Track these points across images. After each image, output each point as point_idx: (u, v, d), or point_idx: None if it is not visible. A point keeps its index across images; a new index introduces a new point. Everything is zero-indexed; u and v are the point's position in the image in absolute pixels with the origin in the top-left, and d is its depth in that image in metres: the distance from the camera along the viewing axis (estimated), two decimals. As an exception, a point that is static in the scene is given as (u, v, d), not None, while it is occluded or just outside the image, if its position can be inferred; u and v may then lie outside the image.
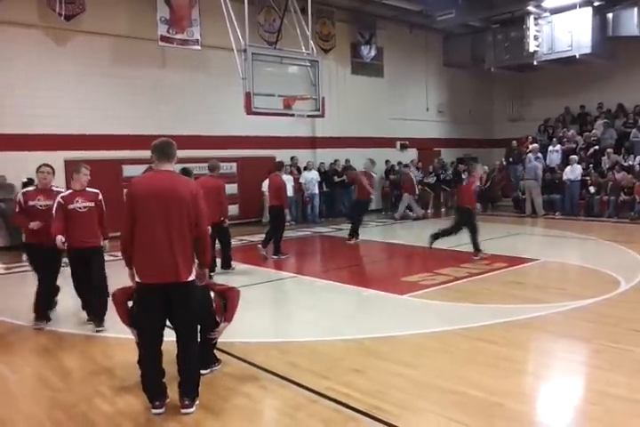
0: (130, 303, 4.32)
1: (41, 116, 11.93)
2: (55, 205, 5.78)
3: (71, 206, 5.75)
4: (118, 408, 4.01)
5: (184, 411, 3.88)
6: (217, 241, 8.59)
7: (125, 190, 4.04)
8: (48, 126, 12.00)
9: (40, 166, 6.18)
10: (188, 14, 13.75)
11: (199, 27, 13.80)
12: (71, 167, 6.51)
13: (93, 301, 5.91)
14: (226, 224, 8.67)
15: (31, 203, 5.97)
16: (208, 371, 4.53)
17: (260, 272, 9.13)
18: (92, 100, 12.70)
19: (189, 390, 3.95)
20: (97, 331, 5.77)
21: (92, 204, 5.90)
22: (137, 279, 3.89)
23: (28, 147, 11.56)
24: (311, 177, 15.75)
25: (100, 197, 6.02)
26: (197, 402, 3.96)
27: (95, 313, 5.87)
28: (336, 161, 16.88)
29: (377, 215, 16.22)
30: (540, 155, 16.69)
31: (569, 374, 4.65)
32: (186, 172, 7.75)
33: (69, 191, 5.95)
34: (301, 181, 15.60)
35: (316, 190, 15.89)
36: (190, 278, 3.92)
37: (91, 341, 5.60)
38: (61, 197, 5.80)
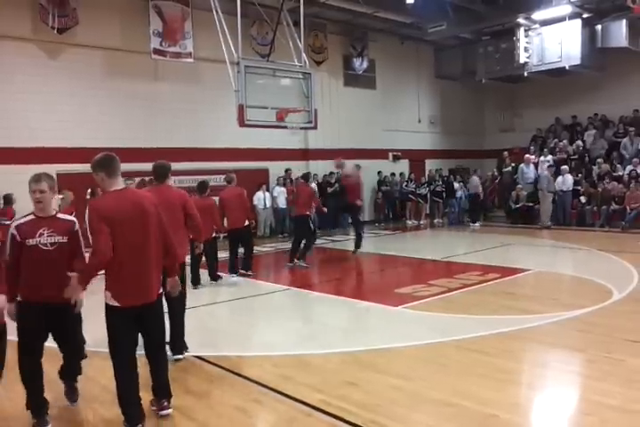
0: None
1: (34, 130, 11.92)
2: (8, 242, 3.85)
3: (31, 242, 3.81)
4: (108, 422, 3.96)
5: (164, 413, 3.97)
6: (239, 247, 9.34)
7: (88, 213, 3.68)
8: (40, 139, 11.98)
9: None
10: (181, 27, 13.82)
11: (192, 39, 13.88)
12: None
13: (66, 364, 4.28)
14: (252, 225, 9.46)
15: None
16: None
17: (254, 284, 9.11)
18: (85, 112, 12.69)
19: (167, 392, 4.06)
20: (72, 405, 4.33)
21: (64, 238, 3.89)
22: (110, 303, 3.67)
23: (21, 160, 11.51)
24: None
25: (77, 227, 4.04)
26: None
27: (69, 379, 4.33)
28: (331, 173, 16.91)
29: (369, 226, 16.20)
30: (531, 164, 16.80)
31: (563, 384, 4.66)
32: (203, 185, 8.52)
33: (29, 218, 3.95)
34: None
35: None
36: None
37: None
38: (16, 228, 3.86)
